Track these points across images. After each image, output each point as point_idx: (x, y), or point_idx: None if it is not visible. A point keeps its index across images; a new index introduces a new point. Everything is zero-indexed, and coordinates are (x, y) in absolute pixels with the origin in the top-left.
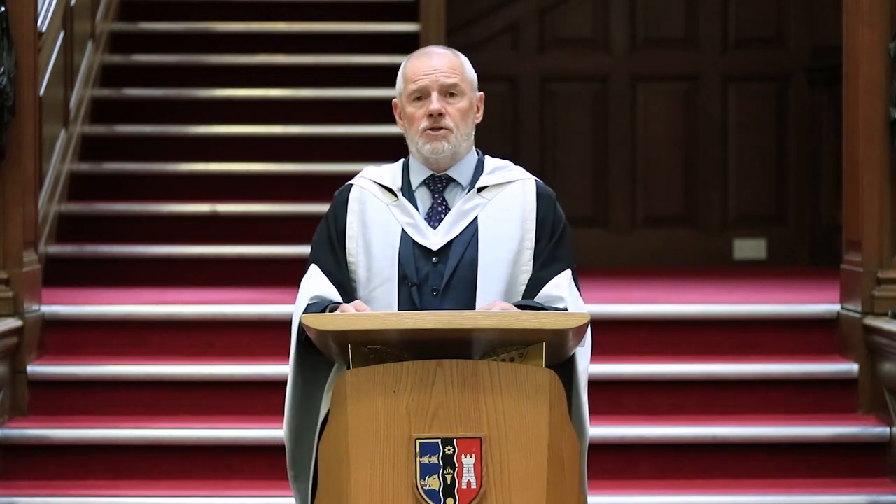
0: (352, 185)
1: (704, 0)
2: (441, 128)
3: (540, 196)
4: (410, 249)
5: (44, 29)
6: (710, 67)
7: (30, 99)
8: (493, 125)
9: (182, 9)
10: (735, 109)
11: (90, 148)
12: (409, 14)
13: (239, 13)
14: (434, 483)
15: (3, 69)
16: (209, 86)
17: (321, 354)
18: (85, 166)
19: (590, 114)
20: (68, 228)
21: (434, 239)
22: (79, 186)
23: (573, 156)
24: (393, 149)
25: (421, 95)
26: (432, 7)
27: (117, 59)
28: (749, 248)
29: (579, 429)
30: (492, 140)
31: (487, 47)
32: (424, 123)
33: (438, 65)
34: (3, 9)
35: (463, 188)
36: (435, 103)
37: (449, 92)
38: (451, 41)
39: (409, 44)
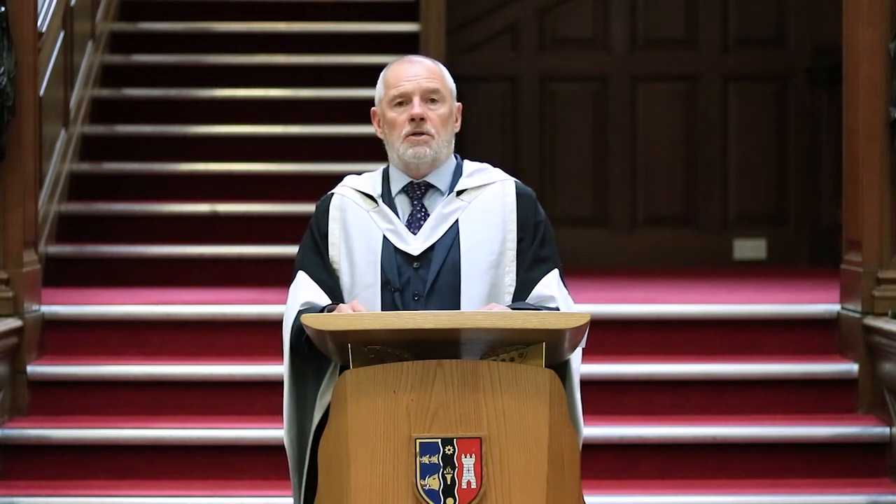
0: (333, 193)
1: (704, 0)
2: (423, 133)
3: (520, 196)
4: (392, 255)
5: (44, 29)
6: (710, 67)
7: (30, 99)
8: (493, 125)
9: (182, 9)
10: (735, 109)
11: (90, 148)
12: (409, 14)
13: (239, 13)
14: (434, 483)
15: (3, 69)
16: (209, 86)
17: (313, 360)
18: (85, 166)
19: (590, 114)
20: (68, 228)
21: (415, 244)
22: (79, 186)
23: (573, 156)
24: None
25: (403, 101)
26: (432, 7)
27: (117, 59)
28: (749, 248)
29: (574, 428)
30: (492, 140)
31: (487, 47)
32: (407, 129)
33: (420, 71)
34: (3, 9)
35: (442, 193)
36: (417, 108)
37: (430, 98)
38: (451, 41)
39: (409, 44)
